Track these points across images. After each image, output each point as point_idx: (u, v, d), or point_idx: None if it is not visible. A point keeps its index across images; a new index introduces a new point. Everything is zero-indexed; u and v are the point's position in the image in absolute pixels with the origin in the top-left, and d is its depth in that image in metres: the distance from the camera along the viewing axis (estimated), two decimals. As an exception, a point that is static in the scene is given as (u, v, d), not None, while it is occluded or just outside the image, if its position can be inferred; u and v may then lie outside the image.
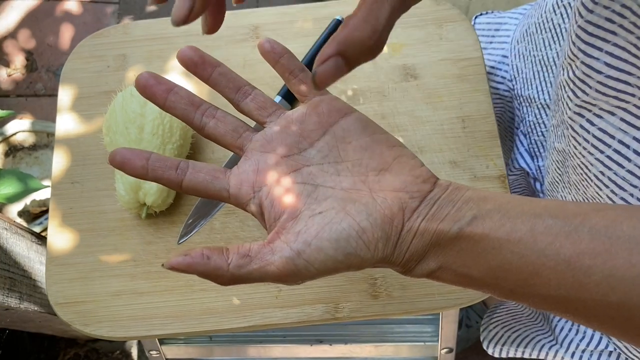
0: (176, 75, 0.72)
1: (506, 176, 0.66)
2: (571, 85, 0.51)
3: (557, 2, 0.66)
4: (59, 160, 0.69)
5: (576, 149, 0.54)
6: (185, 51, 0.45)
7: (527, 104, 0.71)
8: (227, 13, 0.75)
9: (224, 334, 0.87)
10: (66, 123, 0.71)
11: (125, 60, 0.73)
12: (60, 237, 0.65)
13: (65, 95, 0.72)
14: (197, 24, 0.74)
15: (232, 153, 0.55)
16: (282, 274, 0.38)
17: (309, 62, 0.71)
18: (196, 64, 0.45)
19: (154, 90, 0.44)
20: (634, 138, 0.49)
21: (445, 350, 0.82)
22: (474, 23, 0.81)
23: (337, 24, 0.72)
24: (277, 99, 0.69)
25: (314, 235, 0.38)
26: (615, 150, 0.50)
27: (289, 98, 0.69)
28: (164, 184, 0.43)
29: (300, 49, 0.72)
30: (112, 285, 0.63)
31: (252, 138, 0.44)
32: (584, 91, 0.50)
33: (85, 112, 0.71)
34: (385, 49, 0.71)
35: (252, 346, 0.87)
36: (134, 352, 1.30)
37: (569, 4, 0.62)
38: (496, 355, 0.74)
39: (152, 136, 0.62)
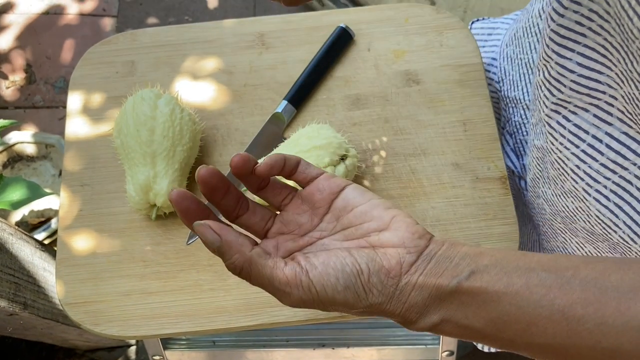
0: (184, 81, 0.74)
1: (507, 177, 0.67)
2: (547, 84, 0.55)
3: (542, 7, 0.68)
4: (69, 164, 0.70)
5: (553, 144, 0.57)
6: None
7: (513, 105, 0.73)
8: (233, 21, 0.78)
9: (227, 339, 0.88)
10: (76, 127, 0.72)
11: (134, 66, 0.75)
12: (70, 239, 0.66)
13: (74, 100, 0.73)
14: (202, 32, 0.77)
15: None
16: (290, 282, 0.41)
17: (314, 69, 0.73)
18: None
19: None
20: (606, 133, 0.52)
21: (446, 353, 0.84)
22: (471, 28, 0.83)
23: (341, 31, 0.74)
24: (283, 103, 0.71)
25: (321, 262, 0.42)
26: (590, 145, 0.54)
27: (295, 102, 0.71)
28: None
29: (305, 56, 0.74)
30: (122, 285, 0.64)
31: (273, 222, 0.47)
32: (559, 90, 0.54)
33: (94, 117, 0.72)
34: (387, 54, 0.73)
35: (255, 350, 0.87)
36: (133, 362, 1.30)
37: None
38: (485, 349, 0.76)
39: (163, 138, 0.64)
